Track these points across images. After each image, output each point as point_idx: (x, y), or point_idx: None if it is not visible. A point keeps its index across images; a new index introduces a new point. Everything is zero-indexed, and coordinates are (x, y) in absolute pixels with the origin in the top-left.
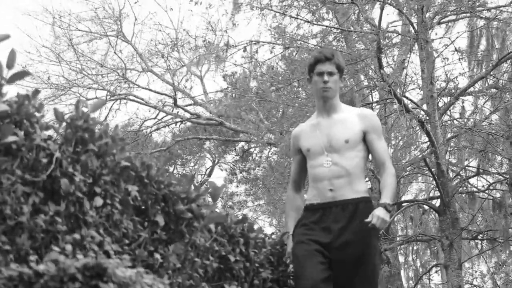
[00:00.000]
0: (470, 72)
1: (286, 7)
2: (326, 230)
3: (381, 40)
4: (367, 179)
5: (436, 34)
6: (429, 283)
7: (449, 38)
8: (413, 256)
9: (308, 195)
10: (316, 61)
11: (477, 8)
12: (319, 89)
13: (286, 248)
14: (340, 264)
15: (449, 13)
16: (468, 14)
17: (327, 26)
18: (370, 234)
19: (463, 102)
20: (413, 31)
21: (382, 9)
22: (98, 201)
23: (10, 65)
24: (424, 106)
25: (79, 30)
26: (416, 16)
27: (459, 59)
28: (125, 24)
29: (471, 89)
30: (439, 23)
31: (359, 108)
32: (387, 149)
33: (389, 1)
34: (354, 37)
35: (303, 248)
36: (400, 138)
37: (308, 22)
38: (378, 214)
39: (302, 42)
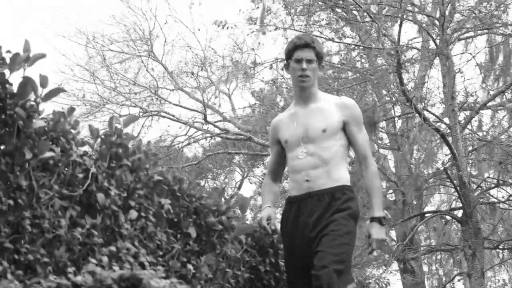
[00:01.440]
0: (489, 87)
1: (309, 24)
2: (303, 224)
3: (401, 56)
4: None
5: (451, 48)
6: None
7: (471, 53)
8: (437, 265)
9: (288, 187)
10: (295, 47)
11: (495, 25)
12: (297, 77)
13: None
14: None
15: (468, 29)
16: (486, 31)
17: (348, 44)
18: (348, 212)
19: (482, 116)
20: (434, 46)
21: (400, 25)
22: (133, 214)
23: (44, 84)
24: (446, 120)
25: (112, 50)
26: (436, 32)
27: (481, 73)
28: (155, 45)
29: (490, 103)
30: (458, 39)
31: (339, 96)
32: (368, 141)
33: (409, 17)
34: (375, 54)
35: (288, 254)
36: (422, 151)
37: (331, 40)
38: (377, 238)
39: (325, 60)
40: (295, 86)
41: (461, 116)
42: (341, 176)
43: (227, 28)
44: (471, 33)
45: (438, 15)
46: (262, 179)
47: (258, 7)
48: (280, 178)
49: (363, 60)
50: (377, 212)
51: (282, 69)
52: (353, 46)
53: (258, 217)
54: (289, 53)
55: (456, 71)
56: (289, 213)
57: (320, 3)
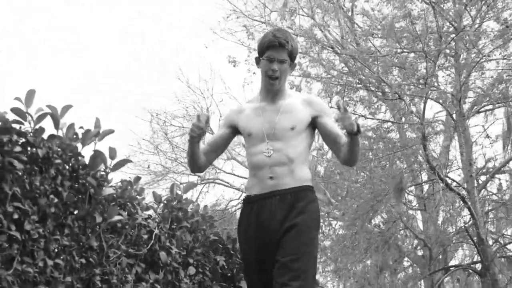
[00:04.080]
0: (504, 154)
1: (347, 102)
2: (265, 227)
3: (426, 129)
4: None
5: (469, 124)
6: None
7: (483, 126)
8: None
9: (247, 184)
10: (268, 45)
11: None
12: (266, 76)
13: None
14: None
15: (486, 103)
16: (503, 104)
17: (379, 120)
18: (310, 216)
19: (499, 180)
20: (452, 121)
21: (425, 103)
22: (191, 270)
23: (112, 156)
24: (465, 185)
25: (173, 125)
26: (454, 107)
27: (490, 143)
28: (212, 120)
29: (506, 168)
30: (477, 112)
31: (303, 93)
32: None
33: (430, 97)
34: (404, 127)
35: (246, 257)
36: (445, 212)
37: (364, 116)
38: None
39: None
40: (264, 84)
41: (480, 180)
42: (305, 176)
43: None
44: (490, 106)
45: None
46: None
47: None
48: (206, 162)
49: (393, 134)
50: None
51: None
52: (384, 121)
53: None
54: (262, 49)
55: (472, 141)
56: (250, 214)
57: (354, 83)
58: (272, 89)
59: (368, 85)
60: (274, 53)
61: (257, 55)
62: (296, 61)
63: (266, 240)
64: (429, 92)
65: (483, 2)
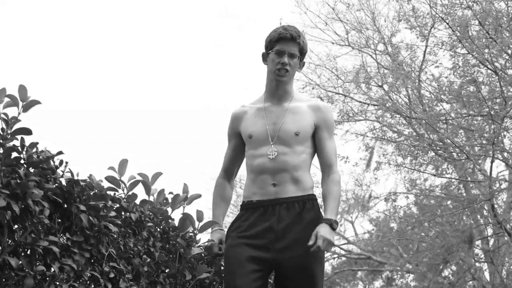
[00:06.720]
0: None
1: (417, 165)
2: (268, 230)
3: (492, 187)
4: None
5: None
6: None
7: None
8: None
9: (245, 190)
10: (279, 38)
11: None
12: (275, 70)
13: (212, 243)
14: (282, 267)
15: None
16: None
17: (449, 178)
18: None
19: None
20: None
21: (492, 162)
22: None
23: (200, 218)
24: None
25: None
26: None
27: None
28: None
29: None
30: None
31: (314, 98)
32: (336, 151)
33: (497, 156)
34: (471, 185)
35: (236, 253)
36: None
37: (434, 175)
38: (323, 235)
39: (428, 192)
40: (270, 80)
41: None
42: (308, 184)
43: (348, 162)
44: None
45: None
46: None
47: (371, 151)
48: (234, 177)
49: (461, 191)
50: (330, 215)
51: (393, 200)
52: (452, 179)
53: (209, 239)
54: (271, 43)
55: None
56: (249, 218)
57: (424, 146)
58: (278, 88)
59: (436, 148)
60: (285, 46)
61: (264, 51)
62: (304, 61)
63: (266, 240)
64: (496, 152)
65: None
